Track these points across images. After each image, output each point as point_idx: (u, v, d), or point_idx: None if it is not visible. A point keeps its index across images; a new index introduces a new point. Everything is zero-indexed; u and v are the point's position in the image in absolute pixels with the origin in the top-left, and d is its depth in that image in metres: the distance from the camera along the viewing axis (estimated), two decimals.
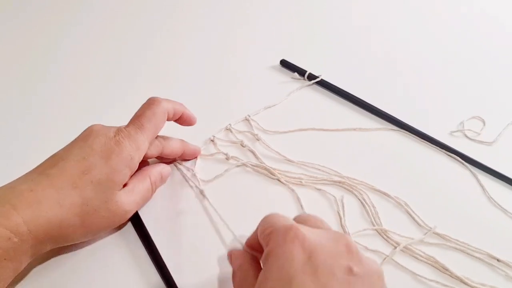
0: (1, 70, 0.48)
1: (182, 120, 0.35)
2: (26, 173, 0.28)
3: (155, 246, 0.31)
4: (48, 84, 0.46)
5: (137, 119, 0.31)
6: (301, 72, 0.47)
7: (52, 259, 0.30)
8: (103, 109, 0.44)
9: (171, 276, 0.29)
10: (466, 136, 0.41)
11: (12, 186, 0.26)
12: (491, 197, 0.36)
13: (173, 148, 0.34)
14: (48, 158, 0.29)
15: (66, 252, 0.30)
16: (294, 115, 0.43)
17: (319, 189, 0.36)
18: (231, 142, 0.40)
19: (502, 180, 0.37)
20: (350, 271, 0.20)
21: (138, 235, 0.32)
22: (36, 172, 0.27)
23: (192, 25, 0.56)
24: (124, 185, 0.30)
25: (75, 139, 0.30)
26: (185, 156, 0.37)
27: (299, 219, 0.24)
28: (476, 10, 0.60)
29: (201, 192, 0.35)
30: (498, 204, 0.35)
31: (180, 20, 0.57)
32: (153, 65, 0.49)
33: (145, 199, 0.32)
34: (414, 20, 0.58)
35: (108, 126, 0.30)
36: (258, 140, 0.40)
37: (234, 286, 0.25)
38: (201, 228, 0.33)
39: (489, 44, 0.53)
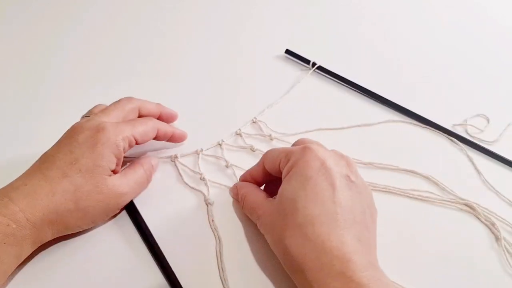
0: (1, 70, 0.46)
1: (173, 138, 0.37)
2: (22, 173, 0.30)
3: (149, 231, 0.31)
4: (47, 84, 0.44)
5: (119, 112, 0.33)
6: (306, 61, 0.47)
7: (52, 247, 0.30)
8: None
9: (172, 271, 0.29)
10: (468, 133, 0.42)
11: (10, 184, 0.29)
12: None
13: (149, 109, 0.36)
14: (40, 157, 0.31)
15: (64, 240, 0.31)
16: (302, 112, 0.42)
17: None
18: (240, 147, 0.38)
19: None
20: (348, 178, 0.27)
21: (134, 226, 0.32)
22: (30, 170, 0.30)
23: (191, 27, 0.54)
24: (115, 173, 0.31)
25: (61, 138, 0.31)
26: (163, 119, 0.37)
27: (303, 141, 0.30)
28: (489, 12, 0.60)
29: (206, 201, 0.34)
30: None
31: (179, 22, 0.54)
32: (154, 64, 0.48)
33: (140, 185, 0.33)
34: (424, 17, 0.58)
35: (90, 121, 0.31)
36: (272, 140, 0.39)
37: (244, 208, 0.31)
38: (202, 230, 0.32)
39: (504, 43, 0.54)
